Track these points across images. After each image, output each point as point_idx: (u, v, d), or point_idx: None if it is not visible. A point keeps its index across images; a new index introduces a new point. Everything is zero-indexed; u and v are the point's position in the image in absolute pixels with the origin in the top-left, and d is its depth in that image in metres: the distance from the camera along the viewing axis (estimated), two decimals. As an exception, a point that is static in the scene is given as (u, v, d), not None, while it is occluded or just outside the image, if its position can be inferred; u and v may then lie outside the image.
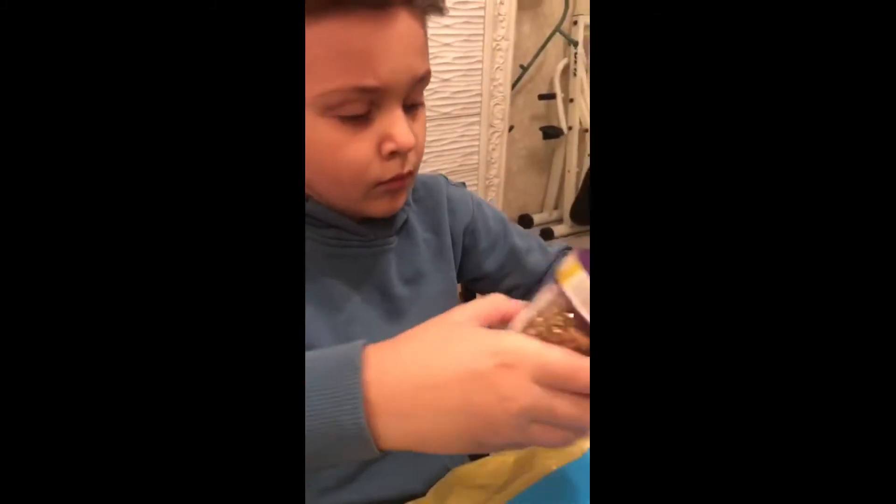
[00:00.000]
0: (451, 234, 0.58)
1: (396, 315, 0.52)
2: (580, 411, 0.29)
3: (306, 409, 0.29)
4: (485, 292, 0.65)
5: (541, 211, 2.52)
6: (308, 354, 0.31)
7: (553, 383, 0.29)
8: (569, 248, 0.67)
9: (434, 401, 0.29)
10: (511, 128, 2.24)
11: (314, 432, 0.29)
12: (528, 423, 0.29)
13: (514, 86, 2.12)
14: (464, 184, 0.63)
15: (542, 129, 2.24)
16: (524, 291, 0.63)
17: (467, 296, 0.77)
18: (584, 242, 2.26)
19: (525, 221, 2.44)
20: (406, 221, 0.54)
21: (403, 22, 0.40)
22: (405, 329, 0.32)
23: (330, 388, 0.30)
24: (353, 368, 0.30)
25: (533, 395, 0.29)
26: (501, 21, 1.71)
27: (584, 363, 0.29)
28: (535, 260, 0.63)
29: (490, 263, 0.61)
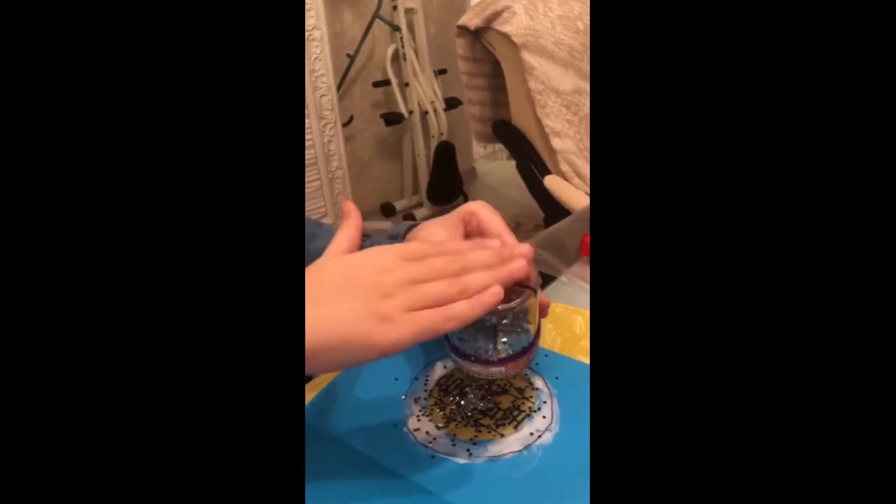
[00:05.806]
0: None
1: None
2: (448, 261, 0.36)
3: None
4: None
5: (401, 197, 2.54)
6: None
7: (414, 254, 0.36)
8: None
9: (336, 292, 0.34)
10: (351, 118, 2.25)
11: None
12: (415, 287, 0.34)
13: (344, 75, 2.12)
14: None
15: (382, 116, 2.26)
16: None
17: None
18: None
19: (387, 210, 2.46)
20: None
21: None
22: None
23: None
24: None
25: (405, 264, 0.35)
26: (310, 10, 1.71)
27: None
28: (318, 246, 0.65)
29: None
